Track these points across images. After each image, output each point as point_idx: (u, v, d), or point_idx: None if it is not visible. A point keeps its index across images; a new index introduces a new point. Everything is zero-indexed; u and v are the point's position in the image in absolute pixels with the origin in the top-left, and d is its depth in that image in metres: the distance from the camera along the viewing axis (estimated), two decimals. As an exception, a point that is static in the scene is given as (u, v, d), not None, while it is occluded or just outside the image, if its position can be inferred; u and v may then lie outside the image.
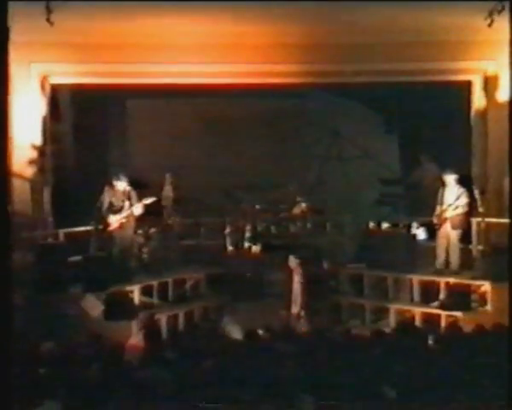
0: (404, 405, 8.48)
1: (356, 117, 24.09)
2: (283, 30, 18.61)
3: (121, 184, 17.27)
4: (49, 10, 16.59)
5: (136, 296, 16.59)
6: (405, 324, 15.38)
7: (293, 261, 17.20)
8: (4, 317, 8.47)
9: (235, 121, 24.09)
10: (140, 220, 17.64)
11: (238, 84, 21.30)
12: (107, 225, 17.22)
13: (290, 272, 17.04)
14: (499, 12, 17.22)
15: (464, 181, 17.36)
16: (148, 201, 17.41)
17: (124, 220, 17.18)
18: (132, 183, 17.49)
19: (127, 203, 17.15)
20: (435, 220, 17.23)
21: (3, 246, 8.83)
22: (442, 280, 16.70)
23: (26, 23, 17.62)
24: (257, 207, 20.42)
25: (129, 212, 17.14)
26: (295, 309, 16.91)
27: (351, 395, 9.32)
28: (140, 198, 17.30)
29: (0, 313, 8.43)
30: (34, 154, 19.56)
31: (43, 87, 19.95)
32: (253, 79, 20.78)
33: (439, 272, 17.01)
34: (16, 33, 18.36)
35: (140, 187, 17.76)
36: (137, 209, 17.18)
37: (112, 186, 17.35)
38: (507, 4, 15.89)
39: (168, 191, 20.07)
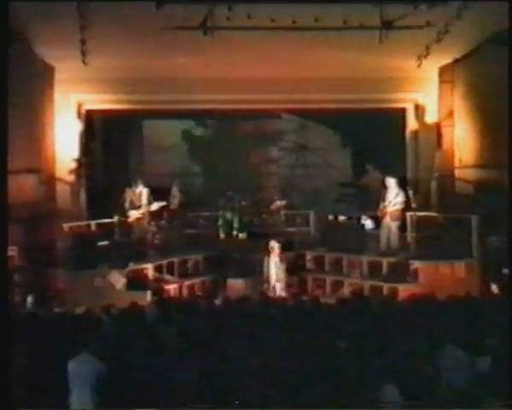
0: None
1: (319, 134, 24.17)
2: (265, 68, 18.81)
3: (139, 187, 17.32)
4: (83, 54, 16.71)
5: (150, 272, 16.61)
6: (357, 293, 15.47)
7: (271, 245, 17.18)
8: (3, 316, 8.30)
9: (226, 138, 24.18)
10: (153, 214, 17.67)
11: (229, 109, 21.46)
12: (127, 218, 17.25)
13: (269, 254, 17.01)
14: (425, 57, 17.49)
15: (401, 184, 17.42)
16: (161, 204, 17.52)
17: (140, 215, 17.21)
18: (147, 186, 17.54)
19: (143, 202, 17.20)
20: (379, 214, 17.20)
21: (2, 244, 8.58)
22: (384, 260, 16.75)
23: (67, 64, 17.83)
24: (243, 203, 20.44)
25: (145, 208, 17.18)
26: (272, 283, 16.87)
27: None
28: (153, 198, 17.37)
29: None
30: (72, 164, 19.62)
31: (79, 112, 20.01)
32: (241, 105, 20.94)
33: (382, 254, 17.00)
34: (59, 72, 18.58)
35: (153, 189, 17.79)
36: (153, 207, 17.30)
37: (132, 188, 17.39)
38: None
39: (175, 192, 20.08)
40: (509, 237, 15.24)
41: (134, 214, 17.19)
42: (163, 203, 17.73)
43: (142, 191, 17.32)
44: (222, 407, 7.78)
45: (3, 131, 9.06)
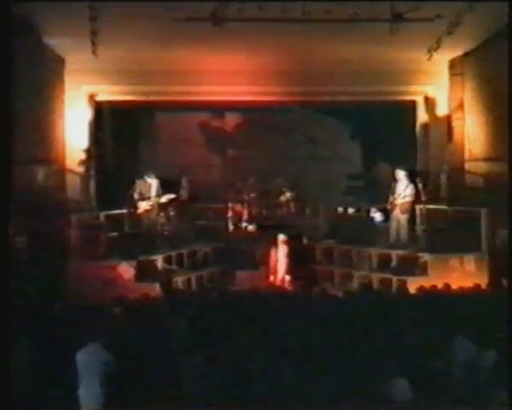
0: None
1: (328, 127, 24.10)
2: (276, 60, 18.79)
3: (149, 178, 17.29)
4: (94, 45, 16.71)
5: (159, 264, 16.59)
6: (366, 285, 15.43)
7: (280, 238, 17.15)
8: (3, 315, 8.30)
9: (236, 129, 24.16)
10: (163, 206, 17.62)
11: (240, 101, 21.44)
12: (137, 209, 17.22)
13: (277, 246, 16.98)
14: (435, 49, 17.42)
15: (411, 176, 17.34)
16: (171, 196, 17.48)
17: (150, 207, 17.18)
18: (157, 177, 17.50)
19: (153, 193, 17.17)
20: (388, 206, 17.14)
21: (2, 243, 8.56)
22: (393, 252, 16.68)
23: (77, 55, 17.82)
24: (252, 195, 20.41)
25: (154, 200, 17.15)
26: (281, 275, 16.86)
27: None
28: (163, 189, 17.33)
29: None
30: (82, 155, 19.64)
31: (90, 103, 20.02)
32: (252, 97, 20.92)
33: (391, 246, 16.93)
34: (70, 63, 18.60)
35: (163, 181, 17.75)
36: (162, 199, 17.27)
37: (142, 179, 17.36)
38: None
39: (185, 183, 20.05)
40: (510, 233, 15.17)
41: (143, 206, 17.17)
42: (172, 196, 17.69)
43: (152, 183, 17.29)
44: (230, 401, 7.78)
45: (8, 123, 9.03)
